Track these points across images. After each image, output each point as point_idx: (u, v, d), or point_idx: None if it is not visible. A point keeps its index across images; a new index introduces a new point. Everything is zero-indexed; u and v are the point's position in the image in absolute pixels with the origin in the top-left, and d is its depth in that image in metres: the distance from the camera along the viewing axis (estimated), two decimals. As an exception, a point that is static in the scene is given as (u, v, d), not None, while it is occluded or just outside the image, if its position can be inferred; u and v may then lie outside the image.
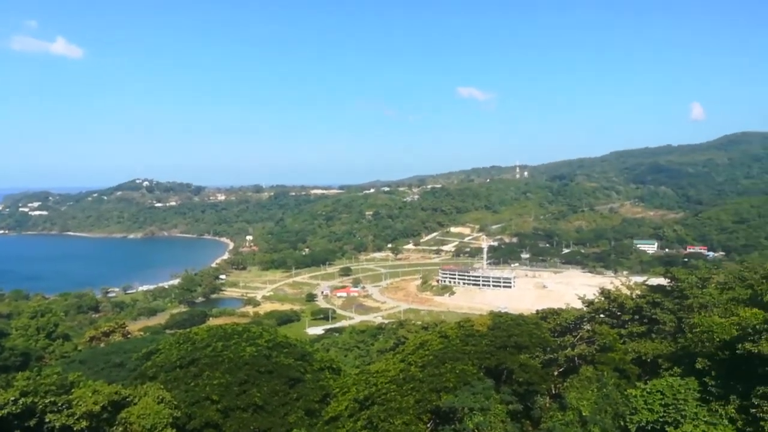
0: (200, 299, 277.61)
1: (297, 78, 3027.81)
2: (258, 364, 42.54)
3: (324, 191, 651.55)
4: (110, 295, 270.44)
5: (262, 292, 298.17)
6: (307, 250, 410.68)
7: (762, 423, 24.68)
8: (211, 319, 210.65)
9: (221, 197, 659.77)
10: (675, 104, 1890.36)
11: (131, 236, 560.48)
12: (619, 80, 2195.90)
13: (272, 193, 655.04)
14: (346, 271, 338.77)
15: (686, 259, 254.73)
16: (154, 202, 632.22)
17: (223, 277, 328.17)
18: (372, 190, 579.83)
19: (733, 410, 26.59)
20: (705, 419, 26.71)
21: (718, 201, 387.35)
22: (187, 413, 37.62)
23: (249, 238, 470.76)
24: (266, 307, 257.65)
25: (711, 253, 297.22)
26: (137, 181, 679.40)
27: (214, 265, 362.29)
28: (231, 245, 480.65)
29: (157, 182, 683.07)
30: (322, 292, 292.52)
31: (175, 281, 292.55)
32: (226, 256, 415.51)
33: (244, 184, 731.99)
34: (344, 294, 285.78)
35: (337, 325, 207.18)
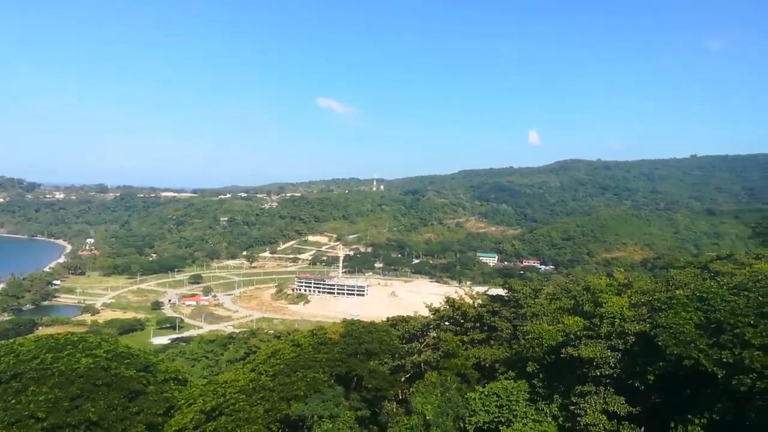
0: (29, 306, 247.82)
1: (151, 73, 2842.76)
2: (94, 376, 39.15)
3: (176, 194, 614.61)
4: None
5: (102, 299, 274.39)
6: (154, 255, 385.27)
7: (579, 419, 27.63)
8: (41, 328, 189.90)
9: (59, 195, 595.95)
10: (517, 130, 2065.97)
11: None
12: (468, 103, 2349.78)
13: (118, 194, 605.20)
14: (196, 279, 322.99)
15: (522, 272, 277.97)
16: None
17: (57, 282, 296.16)
18: (228, 196, 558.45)
19: (555, 408, 29.44)
20: (532, 417, 29.29)
21: (550, 220, 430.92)
22: (4, 435, 33.40)
23: (90, 240, 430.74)
24: (106, 315, 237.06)
25: (543, 267, 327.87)
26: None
27: (47, 269, 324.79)
28: (68, 248, 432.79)
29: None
30: (170, 300, 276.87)
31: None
32: (62, 260, 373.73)
33: (86, 183, 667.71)
34: (194, 302, 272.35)
35: (185, 334, 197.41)
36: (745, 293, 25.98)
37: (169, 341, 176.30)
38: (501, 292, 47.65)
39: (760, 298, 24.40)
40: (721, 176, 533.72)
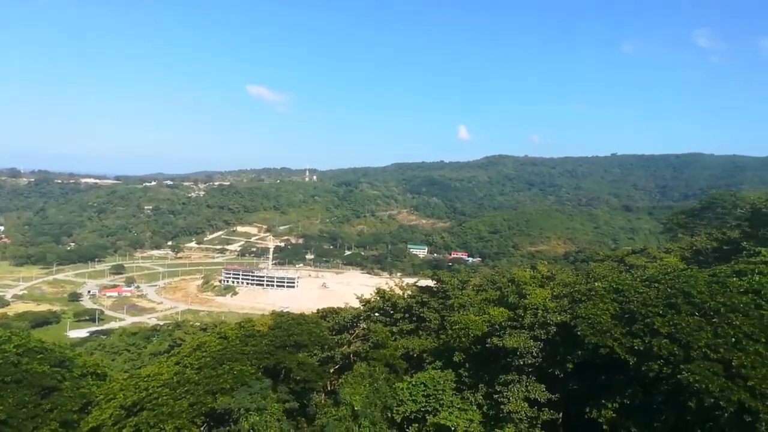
0: None
1: (67, 47, 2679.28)
2: (3, 372, 36.85)
3: (97, 181, 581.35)
4: None
5: (13, 290, 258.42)
6: (72, 244, 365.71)
7: (502, 406, 28.59)
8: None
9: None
10: (448, 124, 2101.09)
11: None
12: (401, 97, 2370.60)
13: (33, 179, 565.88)
14: (118, 269, 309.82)
15: (450, 264, 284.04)
16: None
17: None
18: (153, 183, 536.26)
19: (480, 397, 30.30)
20: (458, 406, 30.00)
21: (478, 213, 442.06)
22: None
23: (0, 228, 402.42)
24: (17, 307, 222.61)
25: (470, 259, 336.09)
26: None
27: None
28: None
29: None
30: (89, 292, 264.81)
31: None
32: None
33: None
34: (115, 294, 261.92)
35: (105, 327, 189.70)
36: (656, 285, 27.64)
37: (87, 334, 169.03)
38: (430, 283, 48.49)
39: (669, 290, 26.03)
40: (638, 174, 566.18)
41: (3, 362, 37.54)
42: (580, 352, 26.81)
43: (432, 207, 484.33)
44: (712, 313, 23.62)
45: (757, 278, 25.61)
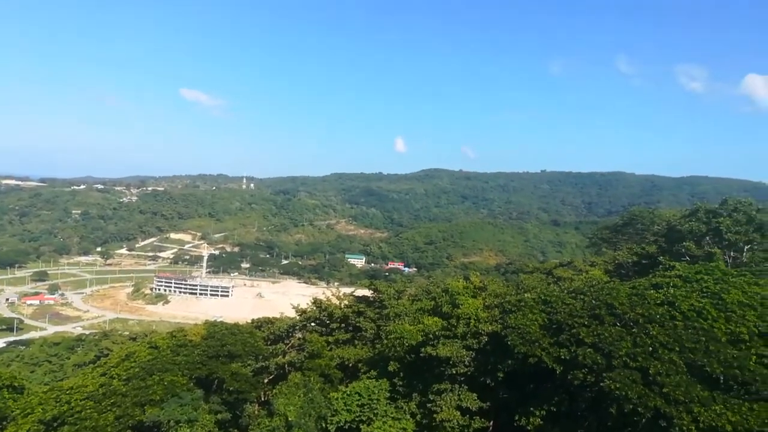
0: None
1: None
2: None
3: (19, 182, 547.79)
4: None
5: None
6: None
7: (435, 415, 29.05)
8: None
9: None
10: (386, 136, 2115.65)
11: None
12: (340, 106, 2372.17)
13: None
14: (41, 276, 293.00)
15: (387, 273, 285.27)
16: None
17: None
18: (82, 187, 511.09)
19: (414, 406, 30.68)
20: (392, 415, 30.25)
21: (415, 224, 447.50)
22: None
23: None
24: None
25: (407, 269, 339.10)
26: None
27: None
28: None
29: None
30: (8, 299, 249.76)
31: None
32: None
33: None
34: (36, 302, 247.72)
35: (24, 336, 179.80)
36: (582, 297, 28.95)
37: (4, 344, 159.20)
38: (367, 293, 48.64)
39: (593, 302, 27.35)
40: (566, 191, 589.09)
41: None
42: (510, 362, 27.68)
43: (370, 217, 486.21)
44: (632, 324, 24.99)
45: (672, 291, 27.32)
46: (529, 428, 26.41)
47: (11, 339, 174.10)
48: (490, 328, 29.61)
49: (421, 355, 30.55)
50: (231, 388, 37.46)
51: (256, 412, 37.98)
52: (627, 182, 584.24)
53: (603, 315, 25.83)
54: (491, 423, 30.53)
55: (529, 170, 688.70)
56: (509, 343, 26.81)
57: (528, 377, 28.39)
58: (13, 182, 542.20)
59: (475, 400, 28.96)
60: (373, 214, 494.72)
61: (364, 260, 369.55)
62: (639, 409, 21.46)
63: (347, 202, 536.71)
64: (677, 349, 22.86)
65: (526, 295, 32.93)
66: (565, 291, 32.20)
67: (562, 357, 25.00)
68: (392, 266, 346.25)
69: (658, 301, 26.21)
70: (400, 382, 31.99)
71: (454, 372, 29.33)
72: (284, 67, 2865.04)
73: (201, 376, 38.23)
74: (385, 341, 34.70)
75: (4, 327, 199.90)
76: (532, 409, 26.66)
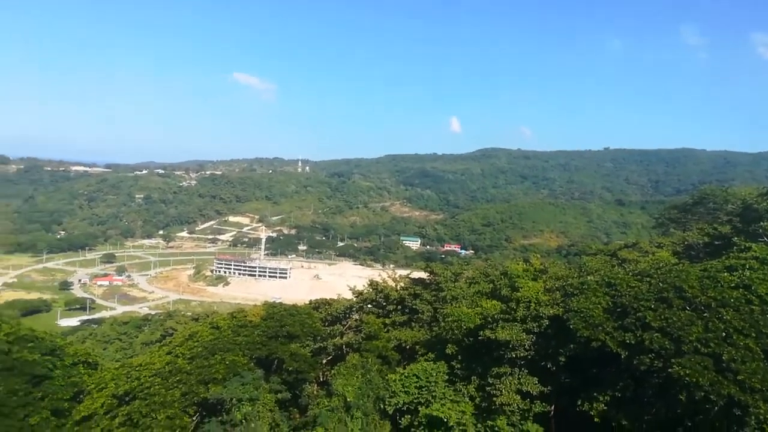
0: None
1: (55, 35, 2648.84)
2: (-7, 361, 36.57)
3: (87, 169, 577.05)
4: None
5: (2, 278, 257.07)
6: (63, 233, 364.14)
7: (494, 399, 28.73)
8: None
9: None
10: (441, 116, 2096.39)
11: None
12: (393, 86, 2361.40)
13: (22, 167, 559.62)
14: (109, 258, 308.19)
15: (443, 256, 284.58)
16: None
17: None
18: (144, 172, 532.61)
19: (473, 389, 30.44)
20: (451, 398, 30.14)
21: (472, 206, 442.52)
22: None
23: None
24: (7, 295, 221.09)
25: (463, 251, 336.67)
26: None
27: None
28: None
29: None
30: (80, 280, 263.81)
31: None
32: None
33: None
34: (106, 282, 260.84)
35: (96, 316, 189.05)
36: (648, 279, 27.78)
37: (78, 323, 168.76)
38: (423, 275, 48.59)
39: (660, 284, 26.18)
40: (631, 169, 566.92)
41: (-7, 351, 37.40)
42: (572, 346, 26.98)
43: (425, 199, 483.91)
44: (703, 308, 23.80)
45: (748, 273, 25.81)
46: (592, 413, 25.77)
47: (85, 318, 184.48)
48: (551, 311, 28.89)
49: (480, 338, 30.18)
50: (290, 368, 38.24)
51: (315, 392, 38.71)
52: (697, 159, 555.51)
53: (671, 298, 24.70)
54: (552, 407, 29.97)
55: (591, 148, 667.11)
56: (571, 326, 26.09)
57: (591, 362, 27.60)
58: (81, 169, 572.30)
59: (535, 384, 28.44)
60: (428, 195, 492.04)
61: (419, 242, 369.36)
62: (711, 396, 20.50)
63: (401, 183, 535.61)
64: (753, 335, 21.64)
65: (588, 277, 31.94)
66: (631, 273, 31.02)
67: (627, 341, 24.13)
68: (448, 248, 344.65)
69: (733, 285, 24.83)
70: (459, 365, 31.79)
71: (513, 356, 28.83)
72: (336, 48, 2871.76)
73: (261, 356, 39.22)
74: (443, 324, 34.54)
75: (78, 306, 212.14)
76: (595, 394, 25.97)
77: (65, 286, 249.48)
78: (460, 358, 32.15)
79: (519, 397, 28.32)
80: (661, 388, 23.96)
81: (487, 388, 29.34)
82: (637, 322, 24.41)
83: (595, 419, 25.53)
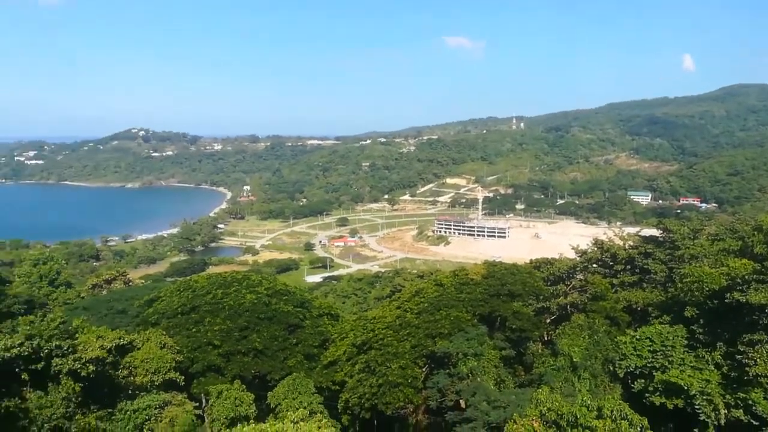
0: (199, 248, 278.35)
1: (298, 35, 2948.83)
2: (258, 310, 43.54)
3: (320, 142, 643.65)
4: (110, 243, 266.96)
5: (260, 241, 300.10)
6: (304, 200, 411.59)
7: (747, 369, 25.61)
8: (210, 267, 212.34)
9: (217, 147, 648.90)
10: (669, 56, 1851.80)
11: (129, 186, 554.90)
12: (612, 30, 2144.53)
13: (268, 144, 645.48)
14: (343, 222, 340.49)
15: (679, 211, 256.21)
16: (151, 151, 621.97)
17: (221, 226, 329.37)
18: (368, 141, 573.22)
19: (719, 356, 27.54)
20: (691, 365, 27.70)
21: (713, 153, 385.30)
22: (190, 358, 38.77)
23: (246, 188, 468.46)
24: (265, 255, 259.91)
25: (704, 205, 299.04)
26: (133, 131, 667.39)
27: (212, 214, 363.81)
28: (228, 195, 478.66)
29: (153, 132, 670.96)
30: (320, 242, 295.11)
31: (174, 230, 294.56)
32: (224, 206, 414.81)
33: (239, 134, 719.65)
34: (341, 243, 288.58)
35: (335, 273, 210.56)
36: None
37: (321, 279, 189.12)
38: (655, 232, 45.30)
39: None
40: None
41: (257, 302, 44.44)
42: None
43: (655, 149, 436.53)
44: None
45: None
46: None
47: (326, 275, 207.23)
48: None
49: (726, 301, 27.03)
50: (513, 326, 38.70)
51: (540, 351, 38.64)
52: None
53: None
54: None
55: None
56: None
57: None
58: (315, 142, 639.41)
59: (800, 355, 24.68)
60: (658, 144, 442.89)
61: (649, 197, 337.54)
62: None
63: (627, 133, 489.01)
64: None
65: None
66: None
67: None
68: (685, 202, 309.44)
69: None
70: (700, 330, 28.96)
71: (770, 322, 25.33)
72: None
73: (483, 313, 40.29)
74: (680, 285, 31.77)
75: (319, 264, 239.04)
76: None
77: (309, 247, 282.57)
78: (702, 322, 29.25)
79: (778, 369, 24.87)
80: None
81: (738, 357, 26.29)
82: None
83: None
